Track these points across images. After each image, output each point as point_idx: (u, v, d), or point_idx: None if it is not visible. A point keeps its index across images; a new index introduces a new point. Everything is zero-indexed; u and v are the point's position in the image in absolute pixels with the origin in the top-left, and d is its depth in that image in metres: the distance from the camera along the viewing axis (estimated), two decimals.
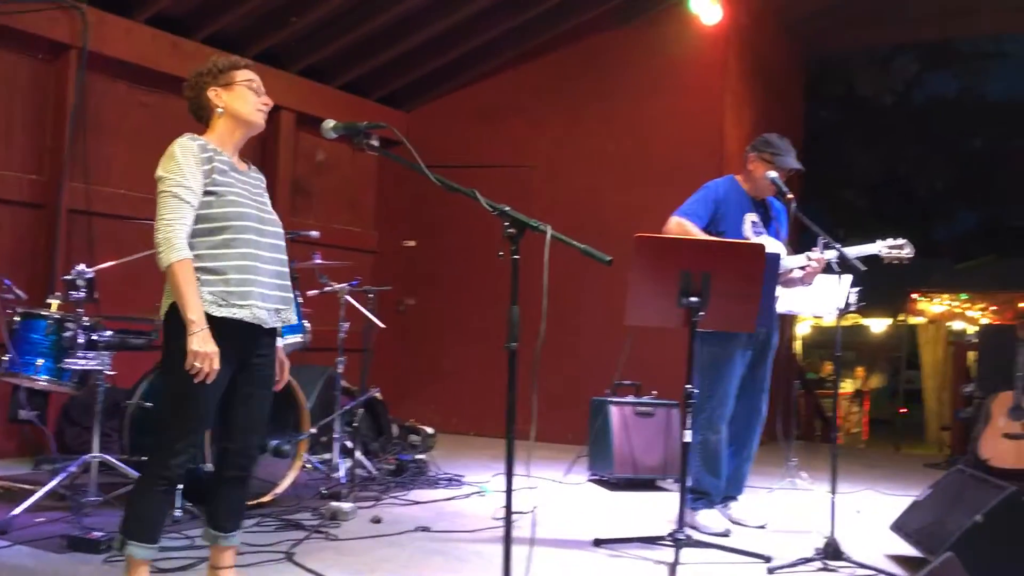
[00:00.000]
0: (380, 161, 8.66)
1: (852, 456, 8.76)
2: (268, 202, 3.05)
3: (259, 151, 7.17)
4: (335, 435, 5.25)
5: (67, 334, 4.28)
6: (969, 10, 9.10)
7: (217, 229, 2.83)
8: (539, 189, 8.05)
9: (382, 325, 5.55)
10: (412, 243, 8.58)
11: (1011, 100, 18.75)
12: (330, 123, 3.03)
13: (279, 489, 4.67)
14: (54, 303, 4.40)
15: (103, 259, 4.72)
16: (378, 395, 5.98)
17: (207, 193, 2.84)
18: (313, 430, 5.01)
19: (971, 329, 14.48)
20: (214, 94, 2.97)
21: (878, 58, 16.00)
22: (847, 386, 16.40)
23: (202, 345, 2.71)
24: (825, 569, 3.90)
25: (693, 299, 3.91)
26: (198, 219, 2.82)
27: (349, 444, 5.35)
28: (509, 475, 2.61)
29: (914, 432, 14.18)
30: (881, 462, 8.01)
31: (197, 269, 2.78)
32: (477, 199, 2.62)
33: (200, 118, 3.03)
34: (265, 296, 2.90)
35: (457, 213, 8.34)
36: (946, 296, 14.05)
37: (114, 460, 4.35)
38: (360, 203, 8.59)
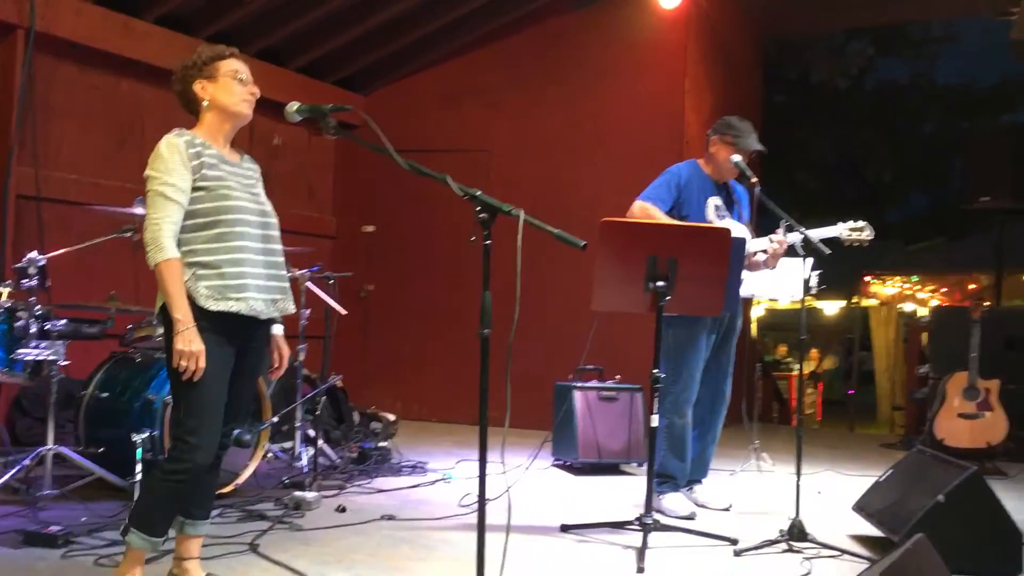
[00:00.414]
0: (338, 146, 8.55)
1: (808, 437, 8.82)
2: (262, 193, 3.04)
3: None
4: (297, 424, 5.18)
5: (19, 323, 4.16)
6: None
7: (210, 223, 2.83)
8: (498, 173, 8.01)
9: (344, 311, 5.48)
10: (371, 228, 8.49)
11: (960, 84, 19.07)
12: (294, 105, 2.95)
13: (240, 479, 4.60)
14: (4, 291, 4.27)
15: (53, 246, 4.60)
16: (339, 383, 5.91)
17: (197, 188, 2.83)
18: (274, 419, 4.93)
19: (922, 311, 14.73)
20: (200, 87, 2.94)
21: (834, 43, 16.16)
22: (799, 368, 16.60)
23: (187, 344, 2.73)
24: (790, 550, 3.93)
25: (660, 284, 3.90)
26: (189, 215, 2.82)
27: (311, 432, 5.29)
28: (482, 462, 2.59)
29: (866, 413, 14.39)
30: (837, 442, 8.13)
31: (192, 264, 2.80)
32: (448, 184, 2.57)
33: (191, 111, 3.00)
34: (260, 287, 2.90)
35: (416, 198, 8.28)
36: (898, 278, 14.26)
37: (69, 452, 4.24)
38: (318, 188, 8.48)
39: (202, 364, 2.74)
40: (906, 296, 14.67)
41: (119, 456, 4.28)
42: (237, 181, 2.93)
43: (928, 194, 19.96)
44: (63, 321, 4.30)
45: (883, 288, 14.21)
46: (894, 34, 17.03)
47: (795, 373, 15.36)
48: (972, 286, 13.46)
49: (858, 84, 17.30)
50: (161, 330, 4.44)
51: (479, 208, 2.56)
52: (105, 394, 4.49)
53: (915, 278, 14.44)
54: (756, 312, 14.21)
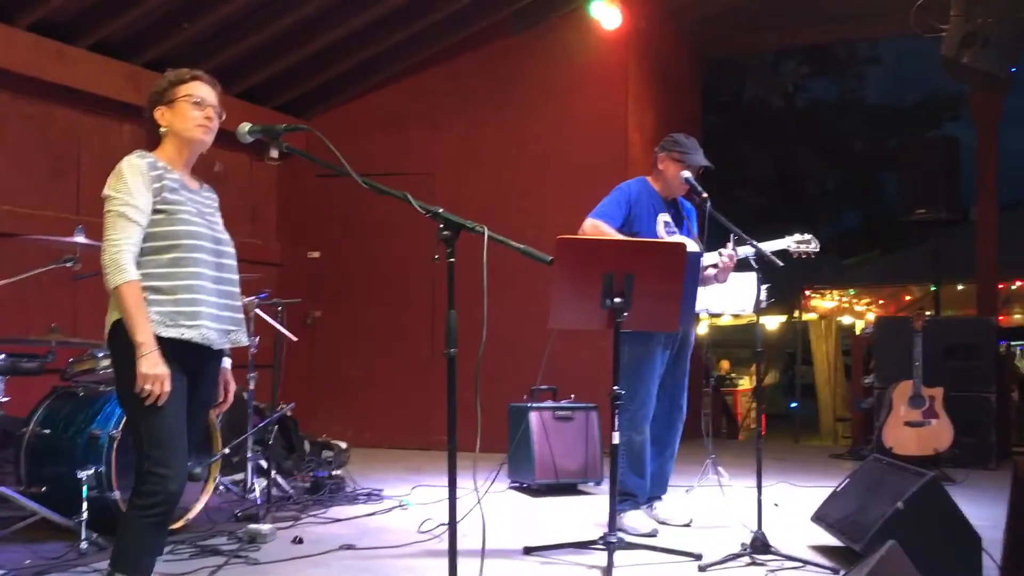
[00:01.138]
0: (280, 172, 8.45)
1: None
2: (220, 221, 2.99)
3: None
4: (248, 455, 5.05)
5: None
6: (845, 16, 9.49)
7: (166, 247, 2.76)
8: (442, 196, 7.93)
9: (294, 338, 5.38)
10: (317, 255, 8.39)
11: (887, 103, 19.65)
12: (246, 126, 2.91)
13: (191, 514, 4.46)
14: None
15: None
16: (289, 412, 5.79)
17: (156, 211, 2.77)
18: (226, 450, 4.80)
19: (859, 323, 15.03)
20: (159, 114, 2.91)
21: (766, 64, 16.56)
22: (744, 383, 16.79)
23: (151, 368, 2.64)
24: (754, 563, 3.93)
25: (617, 300, 3.89)
26: (147, 237, 2.76)
27: (263, 463, 5.16)
28: (452, 486, 2.52)
29: (809, 425, 14.61)
30: (785, 455, 8.20)
31: (145, 288, 2.72)
32: (409, 202, 2.53)
33: (155, 139, 2.95)
34: (214, 316, 2.84)
35: (361, 223, 8.21)
36: (835, 292, 14.55)
37: (11, 492, 4.06)
38: (261, 214, 8.35)
39: (167, 388, 2.66)
40: (844, 309, 14.98)
41: (63, 495, 4.13)
42: (196, 207, 2.87)
43: (860, 209, 20.49)
44: (2, 356, 4.14)
45: (822, 302, 14.48)
46: (822, 54, 17.50)
47: (740, 388, 15.56)
48: (908, 297, 13.80)
49: (791, 103, 17.74)
50: (107, 362, 4.32)
51: (442, 225, 2.53)
52: (47, 431, 4.31)
53: (852, 291, 14.76)
54: (699, 329, 14.36)
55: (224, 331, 2.88)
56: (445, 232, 2.52)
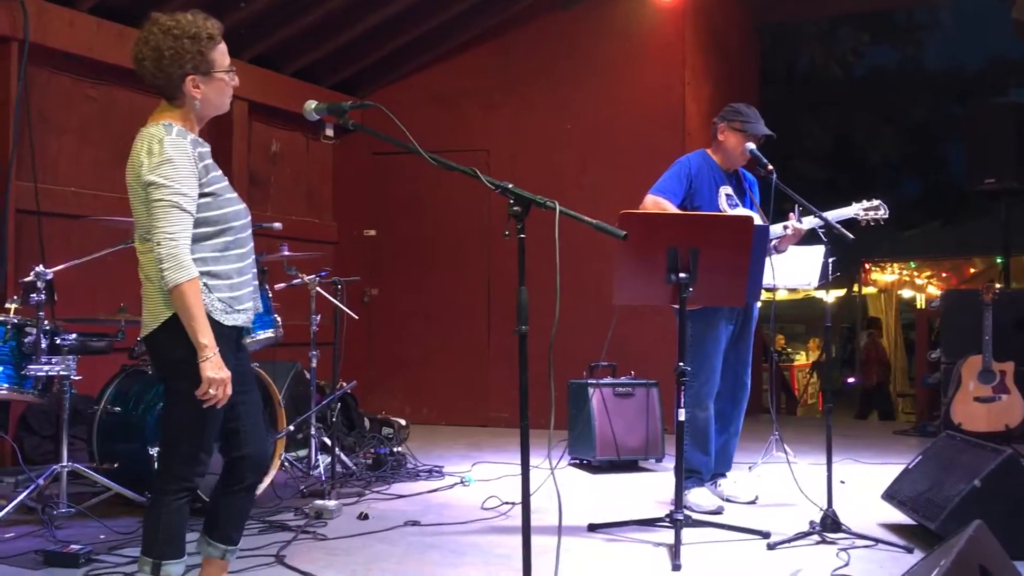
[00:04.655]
0: (336, 151, 8.48)
1: (817, 426, 8.82)
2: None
3: (211, 142, 6.93)
4: (312, 432, 5.09)
5: (28, 339, 4.06)
6: None
7: (218, 232, 2.67)
8: (497, 172, 7.72)
9: (355, 316, 5.40)
10: (373, 232, 8.42)
11: (948, 69, 19.10)
12: (311, 103, 2.89)
13: (258, 490, 4.50)
14: (11, 307, 4.17)
15: (54, 260, 4.49)
16: (350, 389, 5.83)
17: (204, 195, 2.63)
18: (290, 427, 4.85)
19: (920, 297, 14.71)
20: (191, 83, 2.67)
21: (823, 30, 16.18)
22: (800, 358, 16.58)
23: (216, 371, 2.55)
24: (824, 542, 3.86)
25: (682, 275, 3.83)
26: (198, 223, 2.61)
27: (327, 440, 5.20)
28: (525, 464, 2.50)
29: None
30: (847, 431, 8.06)
31: (202, 274, 2.60)
32: (478, 177, 2.50)
33: (163, 91, 2.71)
34: (251, 295, 2.79)
35: (416, 201, 8.22)
36: (896, 265, 14.24)
37: (85, 469, 4.15)
38: (317, 193, 8.39)
39: (229, 392, 2.58)
40: (904, 283, 14.66)
41: (134, 471, 4.21)
42: (227, 179, 2.77)
43: (921, 179, 19.98)
44: (73, 335, 4.21)
45: (882, 275, 14.19)
46: (880, 20, 17.04)
47: (796, 363, 15.35)
48: (972, 270, 13.46)
49: (848, 72, 17.34)
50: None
51: (512, 201, 2.49)
52: (118, 408, 4.39)
53: (912, 264, 14.44)
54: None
55: (252, 309, 2.81)
56: (515, 208, 2.47)
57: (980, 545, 2.27)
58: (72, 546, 3.54)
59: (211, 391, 2.55)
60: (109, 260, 4.69)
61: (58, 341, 4.11)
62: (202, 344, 2.54)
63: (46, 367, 4.04)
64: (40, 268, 4.11)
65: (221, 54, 2.73)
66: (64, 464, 4.07)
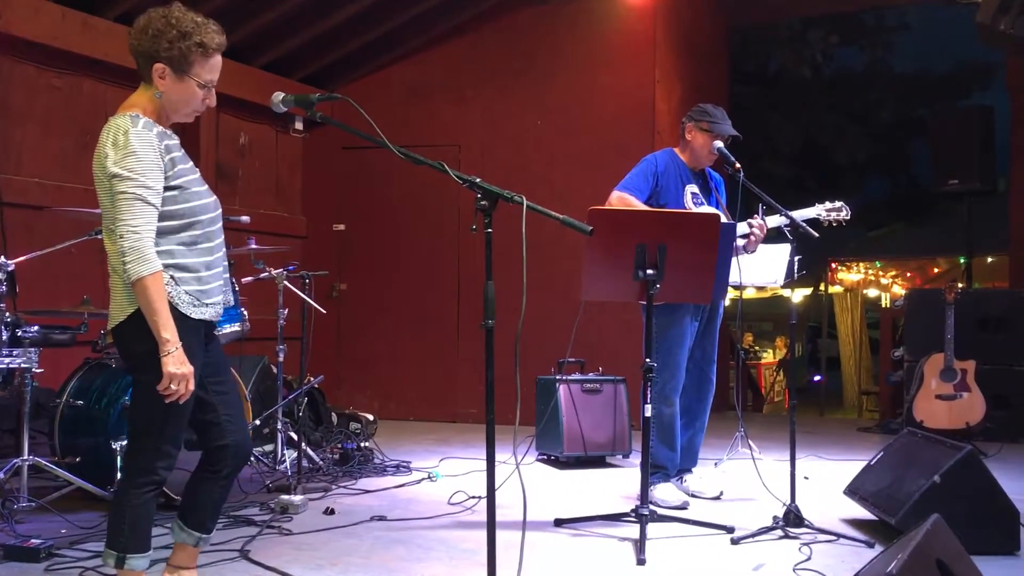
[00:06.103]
0: (306, 144, 8.43)
1: (783, 423, 8.91)
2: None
3: (178, 133, 6.86)
4: (278, 426, 5.07)
5: None
6: None
7: (185, 225, 2.64)
8: (468, 168, 7.90)
9: (323, 311, 5.38)
10: (342, 227, 8.38)
11: (915, 72, 19.32)
12: (279, 95, 2.86)
13: None
14: None
15: (16, 251, 4.43)
16: (317, 384, 5.81)
17: (171, 188, 2.60)
18: (257, 422, 4.82)
19: (885, 296, 14.89)
20: (160, 72, 2.62)
21: (794, 32, 16.31)
22: (768, 356, 16.72)
23: (178, 366, 2.53)
24: (787, 537, 3.91)
25: (650, 272, 3.85)
26: (164, 216, 2.58)
27: (293, 435, 5.18)
28: (491, 459, 2.50)
29: (833, 398, 14.52)
30: (812, 428, 8.15)
31: (168, 267, 2.58)
32: (446, 171, 2.50)
33: (138, 68, 2.68)
34: (220, 289, 2.77)
35: (386, 195, 8.19)
36: (863, 264, 14.41)
37: (46, 463, 4.10)
38: (286, 187, 8.34)
39: (191, 387, 2.57)
40: (870, 282, 14.84)
41: (97, 465, 4.17)
42: (197, 172, 2.73)
43: (886, 180, 20.21)
44: (35, 328, 4.15)
45: (848, 274, 14.34)
46: (849, 23, 17.20)
47: (763, 361, 15.47)
48: (935, 270, 13.65)
49: (817, 73, 17.48)
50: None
51: (479, 195, 2.49)
52: (80, 402, 4.34)
53: (878, 263, 14.61)
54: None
55: (223, 301, 2.80)
56: (483, 202, 2.48)
57: (937, 539, 2.31)
58: (33, 540, 3.49)
59: (172, 386, 2.53)
60: (73, 252, 4.64)
61: (19, 333, 4.06)
62: (164, 338, 2.52)
63: (7, 359, 3.99)
64: (1, 259, 4.05)
65: (205, 67, 2.67)
66: (25, 458, 4.02)
